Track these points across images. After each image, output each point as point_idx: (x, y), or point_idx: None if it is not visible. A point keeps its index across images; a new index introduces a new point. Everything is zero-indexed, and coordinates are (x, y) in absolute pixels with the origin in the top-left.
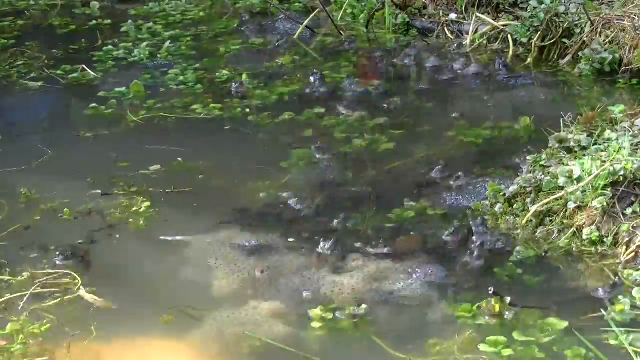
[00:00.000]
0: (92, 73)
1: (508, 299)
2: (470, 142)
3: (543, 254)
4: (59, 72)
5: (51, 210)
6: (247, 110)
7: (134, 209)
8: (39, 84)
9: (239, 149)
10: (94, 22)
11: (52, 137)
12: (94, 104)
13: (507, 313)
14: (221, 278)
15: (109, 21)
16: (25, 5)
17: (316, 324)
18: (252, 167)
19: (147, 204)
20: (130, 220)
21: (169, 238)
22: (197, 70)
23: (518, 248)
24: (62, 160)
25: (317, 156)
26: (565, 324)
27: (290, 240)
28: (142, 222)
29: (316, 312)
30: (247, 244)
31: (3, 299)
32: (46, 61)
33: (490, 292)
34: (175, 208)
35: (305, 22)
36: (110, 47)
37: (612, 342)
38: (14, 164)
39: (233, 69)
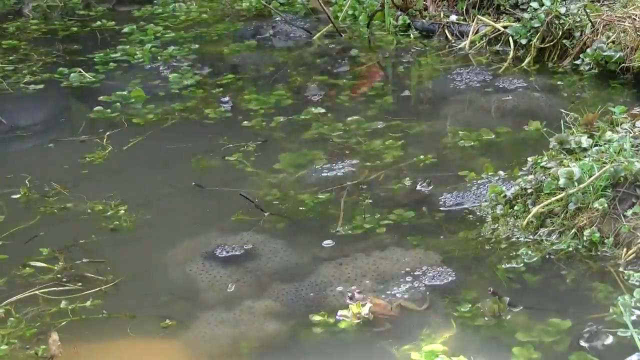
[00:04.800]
0: (88, 76)
1: (507, 300)
2: (470, 145)
3: (547, 256)
4: (56, 75)
5: None
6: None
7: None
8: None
9: None
10: (98, 22)
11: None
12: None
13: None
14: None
15: (112, 23)
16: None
17: None
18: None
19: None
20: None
21: None
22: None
23: (522, 250)
24: None
25: None
26: (567, 324)
27: None
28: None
29: None
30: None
31: None
32: (47, 63)
33: (490, 292)
34: None
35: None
36: (111, 48)
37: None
38: None
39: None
